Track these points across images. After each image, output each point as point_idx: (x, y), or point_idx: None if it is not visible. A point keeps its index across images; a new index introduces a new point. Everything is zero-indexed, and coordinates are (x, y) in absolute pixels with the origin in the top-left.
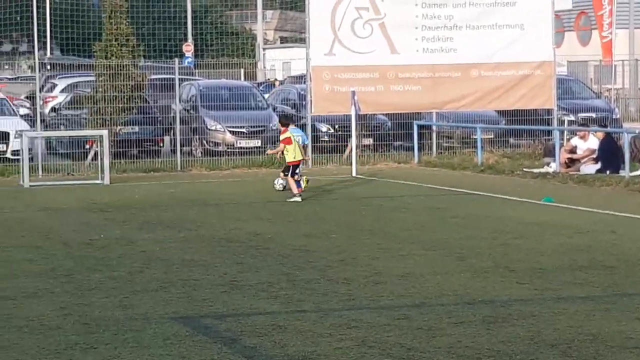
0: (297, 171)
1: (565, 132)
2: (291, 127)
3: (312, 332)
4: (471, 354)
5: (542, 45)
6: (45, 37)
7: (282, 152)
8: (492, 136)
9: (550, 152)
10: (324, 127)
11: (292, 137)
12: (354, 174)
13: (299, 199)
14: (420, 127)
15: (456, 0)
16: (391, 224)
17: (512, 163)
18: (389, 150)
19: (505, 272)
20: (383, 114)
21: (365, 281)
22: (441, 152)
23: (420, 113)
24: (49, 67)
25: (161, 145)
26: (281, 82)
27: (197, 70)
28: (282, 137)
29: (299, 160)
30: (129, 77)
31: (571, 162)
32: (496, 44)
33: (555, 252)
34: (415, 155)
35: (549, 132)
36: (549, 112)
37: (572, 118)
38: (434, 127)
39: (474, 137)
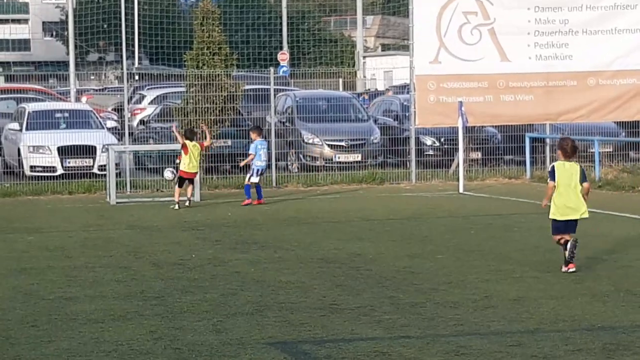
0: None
1: None
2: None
3: (418, 359)
4: None
5: None
6: (133, 46)
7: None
8: (611, 149)
9: None
10: (428, 140)
11: (190, 148)
12: (461, 190)
13: (176, 206)
14: (532, 139)
15: (572, 3)
16: (502, 244)
17: (632, 178)
18: (498, 165)
19: (627, 296)
20: (492, 126)
21: (474, 305)
22: None
23: (533, 125)
24: (137, 77)
25: None
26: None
27: (293, 80)
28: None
29: (193, 173)
30: (221, 87)
31: None
32: (615, 50)
33: None
34: (527, 170)
35: None
36: None
37: None
38: (548, 140)
39: (591, 150)
